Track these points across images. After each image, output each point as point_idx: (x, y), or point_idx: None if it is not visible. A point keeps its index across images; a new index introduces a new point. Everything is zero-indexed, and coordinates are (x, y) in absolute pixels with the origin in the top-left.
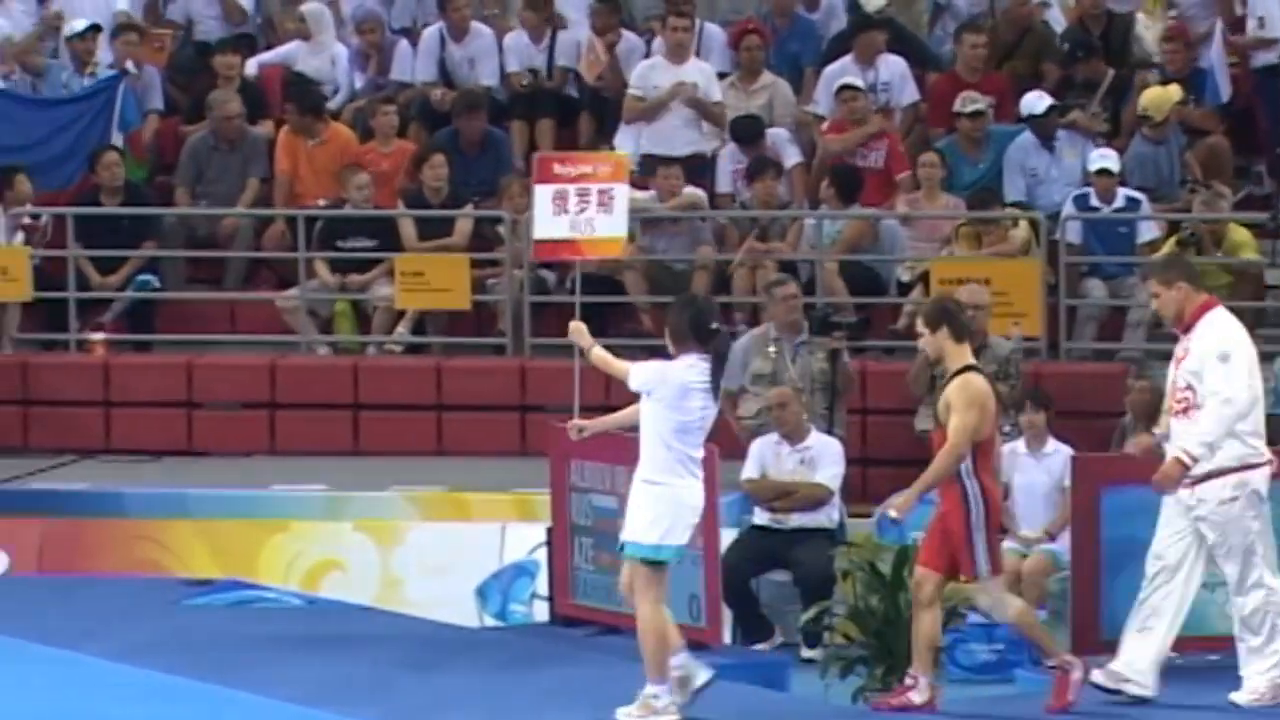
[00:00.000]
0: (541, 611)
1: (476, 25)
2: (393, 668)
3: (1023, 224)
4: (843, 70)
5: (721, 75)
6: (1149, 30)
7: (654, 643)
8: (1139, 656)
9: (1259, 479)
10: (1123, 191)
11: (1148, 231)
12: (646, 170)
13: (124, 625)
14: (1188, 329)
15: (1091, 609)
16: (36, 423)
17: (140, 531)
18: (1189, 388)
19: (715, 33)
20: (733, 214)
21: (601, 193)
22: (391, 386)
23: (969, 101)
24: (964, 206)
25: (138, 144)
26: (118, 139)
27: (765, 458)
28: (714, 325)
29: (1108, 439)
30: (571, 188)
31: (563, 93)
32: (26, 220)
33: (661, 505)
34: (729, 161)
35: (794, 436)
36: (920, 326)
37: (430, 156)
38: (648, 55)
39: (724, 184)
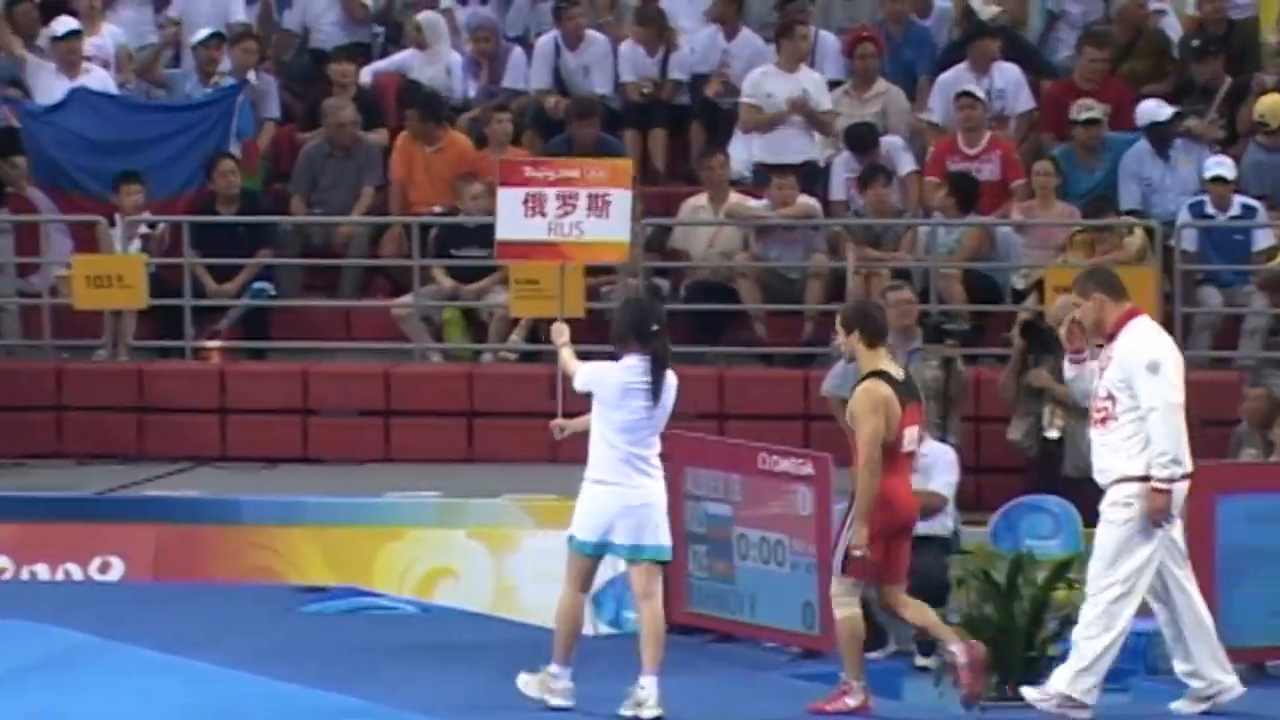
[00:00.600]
0: None
1: (591, 33)
2: (506, 676)
3: (1138, 232)
4: (957, 78)
5: (836, 83)
6: (1273, 35)
7: (562, 625)
8: (1205, 668)
9: (1181, 489)
10: (1238, 199)
11: (1264, 239)
12: (760, 179)
13: (239, 632)
14: (1110, 338)
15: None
16: (152, 430)
17: (255, 539)
18: (1109, 398)
19: (830, 40)
20: (847, 222)
21: (594, 197)
22: (505, 394)
23: (1084, 109)
24: (1079, 214)
25: (252, 152)
26: (235, 148)
27: None
28: (654, 327)
29: (1223, 447)
30: (550, 191)
31: (675, 102)
32: (144, 228)
33: (602, 503)
34: (842, 169)
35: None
36: (837, 325)
37: None
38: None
39: (838, 191)
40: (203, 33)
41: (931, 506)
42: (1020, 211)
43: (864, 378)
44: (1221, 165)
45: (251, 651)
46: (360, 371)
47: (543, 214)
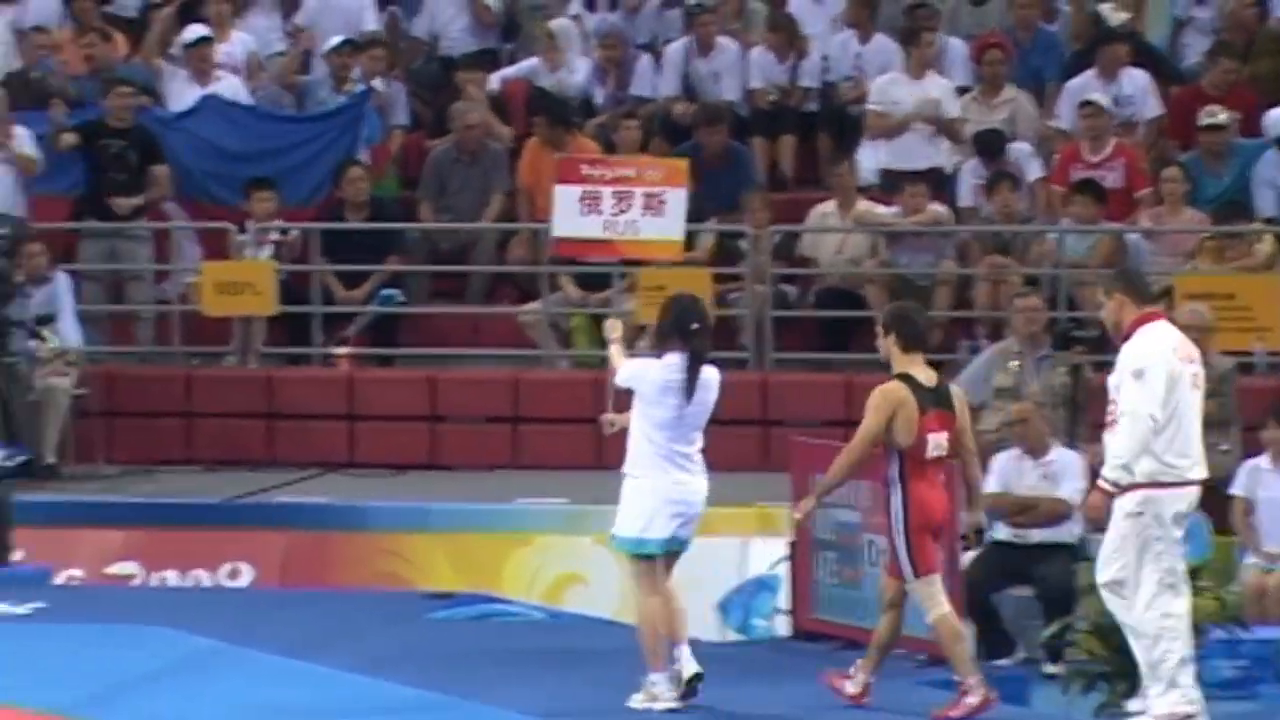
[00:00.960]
0: (783, 626)
1: (722, 40)
2: (632, 683)
3: (1268, 238)
4: (1085, 84)
5: (964, 89)
6: None
7: (646, 633)
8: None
9: (1168, 499)
10: None
11: None
12: (888, 185)
13: (366, 638)
14: (1125, 340)
15: None
16: (281, 436)
17: (383, 545)
18: (1113, 401)
19: (958, 46)
20: (975, 228)
21: (649, 196)
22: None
23: (1209, 115)
24: (1208, 221)
25: (380, 158)
26: (363, 154)
27: (1007, 472)
28: (695, 325)
29: None
30: (606, 189)
31: (804, 109)
32: (274, 235)
33: (643, 499)
34: (970, 175)
35: (1036, 451)
36: (878, 327)
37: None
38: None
39: (965, 198)
40: (334, 40)
41: (1058, 513)
42: (1149, 218)
43: (888, 378)
44: None
45: (379, 658)
46: (488, 378)
47: (599, 212)
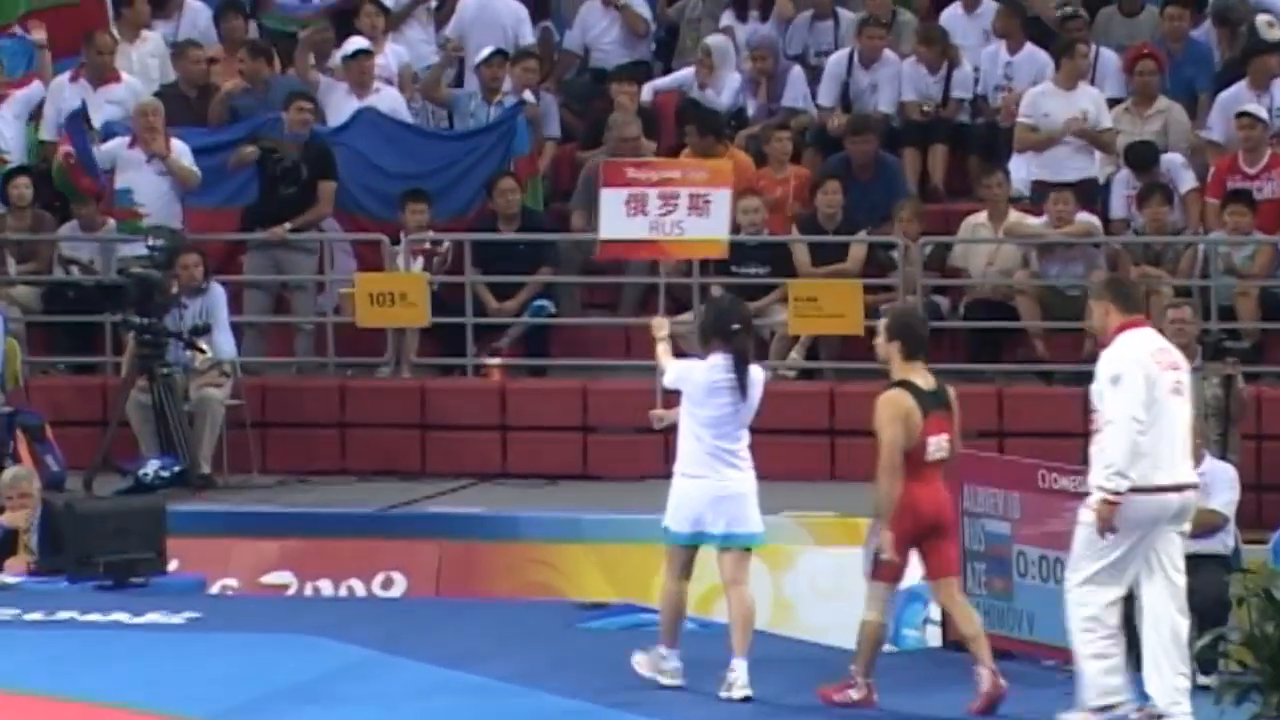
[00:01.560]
0: (934, 636)
1: (887, 52)
2: (786, 691)
3: None
4: (1238, 96)
5: (1116, 100)
6: None
7: (666, 611)
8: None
9: (1140, 502)
10: None
11: None
12: (1038, 196)
13: (518, 648)
14: (1104, 348)
15: None
16: (434, 446)
17: (535, 555)
18: (1095, 410)
19: (1109, 57)
20: (1126, 239)
21: (694, 197)
22: (784, 411)
23: None
24: None
25: (525, 169)
26: (513, 166)
27: None
28: (735, 326)
29: None
30: (651, 191)
31: (956, 120)
32: (427, 246)
33: (684, 493)
34: (1122, 186)
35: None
36: (880, 330)
37: (825, 182)
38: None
39: (1117, 209)
40: (485, 52)
41: (1211, 524)
42: None
43: (889, 387)
44: None
45: (531, 667)
46: (640, 388)
47: (644, 213)
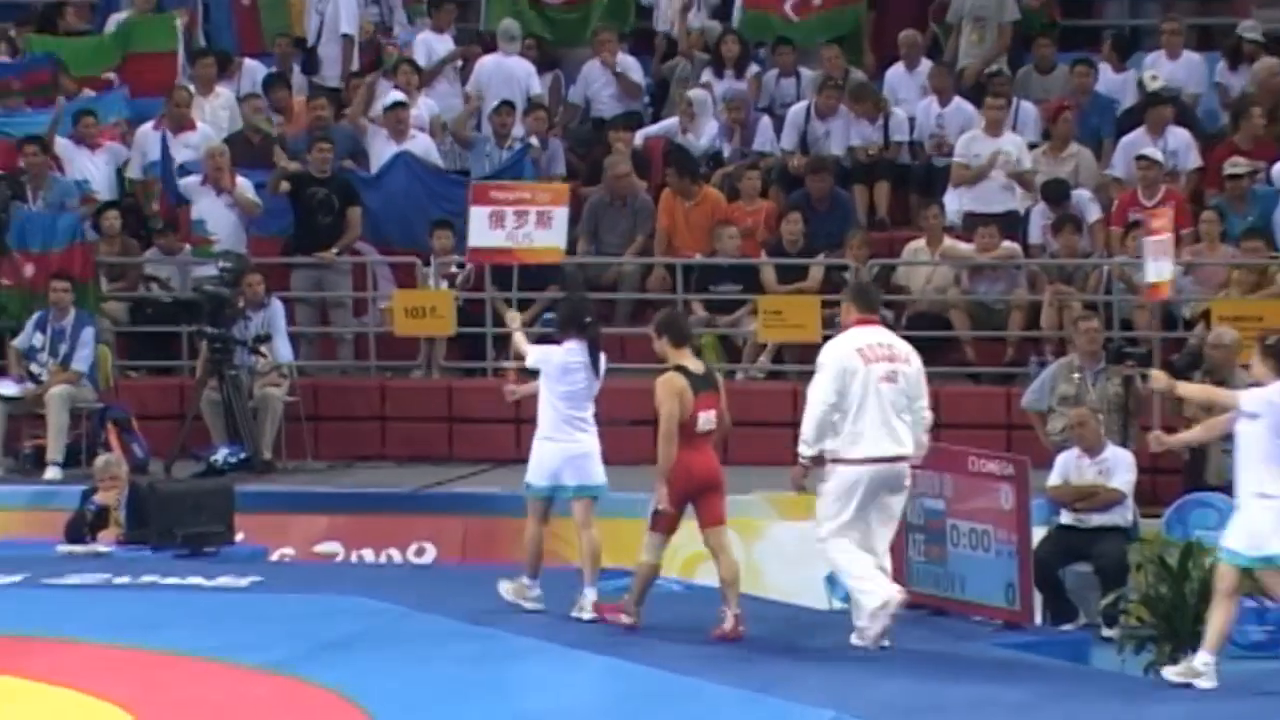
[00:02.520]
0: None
1: (841, 106)
2: (756, 642)
3: None
4: (1137, 140)
5: (1033, 145)
6: None
7: (530, 548)
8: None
9: (844, 472)
10: None
11: None
12: (968, 226)
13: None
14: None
15: None
16: (459, 437)
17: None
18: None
19: (1028, 108)
20: (1043, 262)
21: (540, 213)
22: (754, 406)
23: (1231, 166)
24: (1239, 256)
25: None
26: None
27: (1068, 468)
28: (587, 319)
29: None
30: (509, 209)
31: (898, 161)
32: (452, 269)
33: (543, 454)
34: (1039, 217)
35: (1092, 450)
36: (653, 331)
37: (788, 214)
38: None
39: (1035, 236)
40: (494, 102)
41: (1112, 500)
42: (1190, 254)
43: (666, 370)
44: None
45: (543, 622)
46: (634, 387)
47: (502, 227)
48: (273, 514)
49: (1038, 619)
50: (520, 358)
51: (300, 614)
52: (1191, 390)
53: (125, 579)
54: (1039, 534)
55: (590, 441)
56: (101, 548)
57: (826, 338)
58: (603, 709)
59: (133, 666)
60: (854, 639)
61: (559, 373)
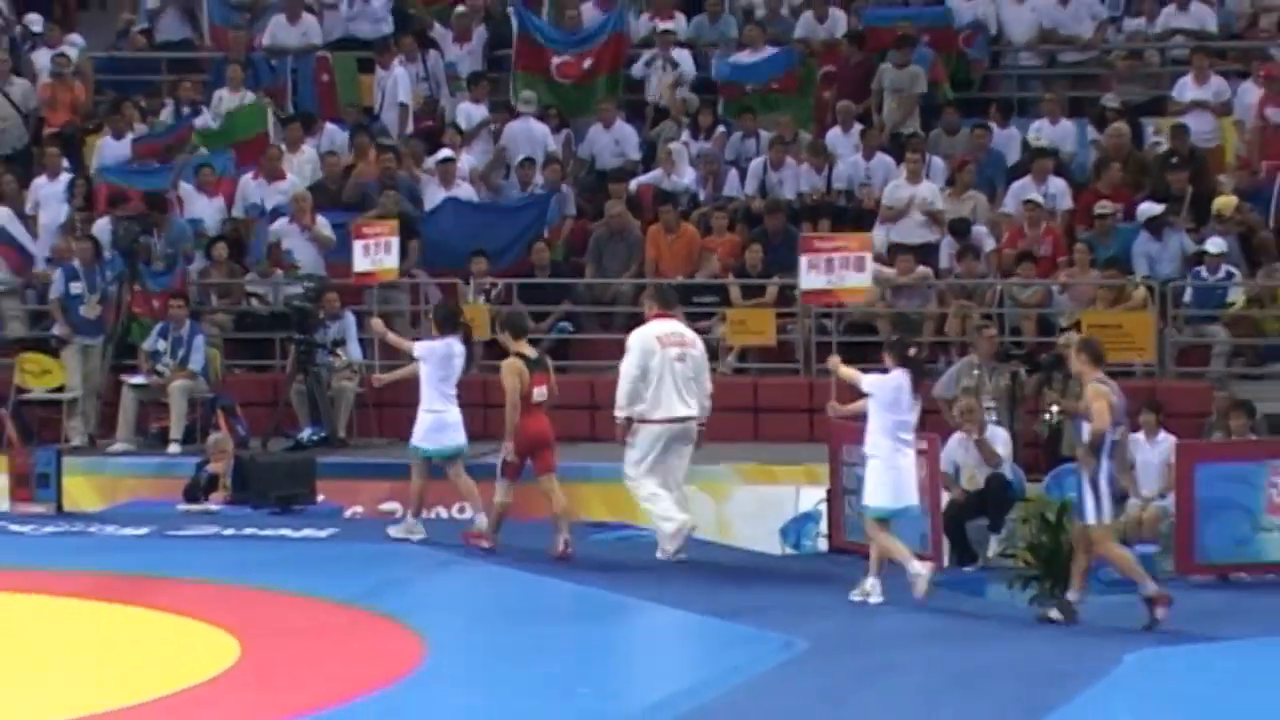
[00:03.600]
0: (823, 545)
1: (789, 159)
2: (723, 580)
3: (1140, 289)
4: (1024, 187)
5: (942, 189)
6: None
7: (414, 495)
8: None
9: (649, 429)
10: (1225, 266)
11: (1233, 294)
12: (892, 254)
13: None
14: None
15: (1188, 543)
16: (492, 419)
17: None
18: None
19: (938, 162)
20: (949, 283)
21: (384, 243)
22: (723, 396)
23: (1100, 208)
24: (1104, 279)
25: (554, 235)
26: (545, 232)
27: (955, 451)
28: (460, 319)
29: (1199, 431)
30: (371, 241)
31: (836, 204)
32: (487, 285)
33: (430, 423)
34: (947, 248)
35: (977, 431)
36: (498, 332)
37: (750, 245)
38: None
39: (944, 262)
40: (519, 157)
41: (996, 459)
42: (1066, 276)
43: (509, 357)
44: (1214, 244)
45: (567, 565)
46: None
47: (369, 255)
48: (346, 480)
49: (945, 562)
50: (399, 349)
51: (367, 559)
52: (847, 372)
53: (230, 531)
54: (946, 497)
55: (458, 412)
56: (212, 507)
57: (780, 342)
58: (597, 621)
59: (236, 600)
60: (658, 554)
61: (442, 361)
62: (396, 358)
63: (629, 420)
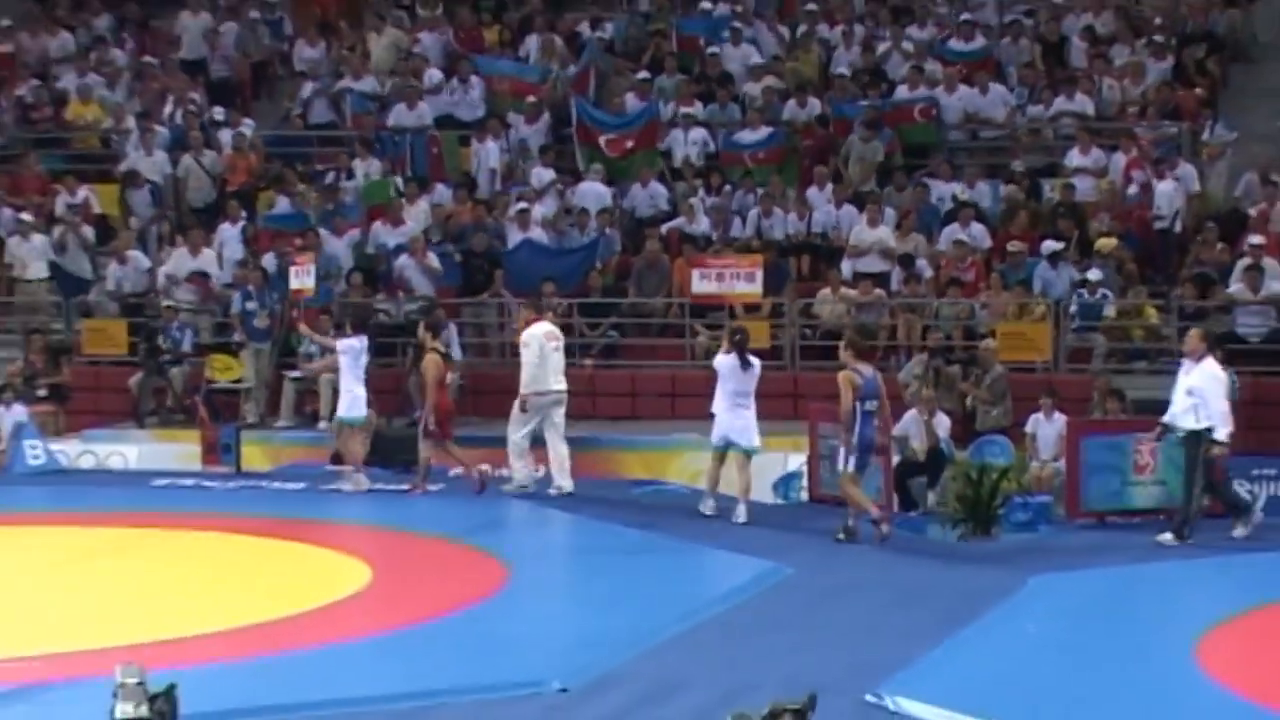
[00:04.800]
0: (805, 496)
1: (777, 209)
2: (725, 521)
3: (1042, 305)
4: (953, 230)
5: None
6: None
7: (355, 451)
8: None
9: (534, 401)
10: (1102, 289)
11: (1108, 310)
12: (855, 281)
13: (603, 502)
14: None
15: (1075, 495)
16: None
17: (609, 456)
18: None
19: (891, 211)
20: (897, 302)
21: (305, 266)
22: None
23: (1012, 246)
24: (1013, 299)
25: (606, 268)
26: (599, 264)
27: (910, 424)
28: (371, 320)
29: (1084, 411)
30: (300, 266)
31: (814, 243)
32: (555, 305)
33: (349, 400)
34: (897, 275)
35: (929, 412)
36: (420, 331)
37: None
38: None
39: (895, 286)
40: (579, 208)
41: (937, 438)
42: (985, 297)
43: (430, 354)
44: (1094, 273)
45: (611, 511)
46: (661, 375)
47: (296, 276)
48: (458, 452)
49: (895, 508)
50: (324, 345)
51: (467, 507)
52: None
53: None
54: (897, 459)
55: (364, 392)
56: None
57: (774, 346)
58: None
59: (369, 537)
60: (506, 488)
61: (357, 355)
62: (486, 355)
63: (526, 397)
